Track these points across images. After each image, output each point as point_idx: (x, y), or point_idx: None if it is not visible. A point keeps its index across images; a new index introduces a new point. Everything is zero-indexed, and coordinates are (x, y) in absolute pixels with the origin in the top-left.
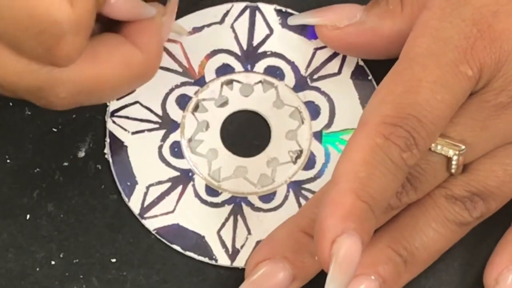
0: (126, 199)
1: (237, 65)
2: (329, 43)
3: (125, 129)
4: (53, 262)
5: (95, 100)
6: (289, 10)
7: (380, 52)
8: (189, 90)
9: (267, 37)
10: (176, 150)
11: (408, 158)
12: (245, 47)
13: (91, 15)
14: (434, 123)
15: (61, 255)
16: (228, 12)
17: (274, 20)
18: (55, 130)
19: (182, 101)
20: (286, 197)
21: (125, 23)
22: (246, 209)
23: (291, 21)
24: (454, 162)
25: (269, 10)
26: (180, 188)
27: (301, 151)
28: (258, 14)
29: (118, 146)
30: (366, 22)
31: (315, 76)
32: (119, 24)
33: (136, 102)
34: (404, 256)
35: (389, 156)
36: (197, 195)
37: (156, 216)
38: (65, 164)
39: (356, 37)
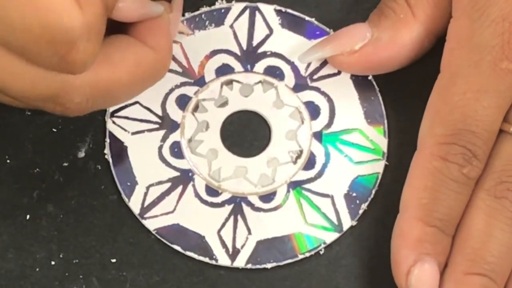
0: (126, 199)
1: (237, 65)
2: (350, 68)
3: (125, 130)
4: (53, 262)
5: (109, 103)
6: (289, 10)
7: (403, 61)
8: (189, 90)
9: (267, 37)
10: (176, 150)
11: (469, 172)
12: (245, 47)
13: (102, 19)
14: (487, 129)
15: (61, 255)
16: (228, 12)
17: (274, 20)
18: (55, 130)
19: (182, 101)
20: (286, 197)
21: (133, 23)
22: (246, 209)
23: (303, 59)
24: None
25: (268, 10)
26: (180, 188)
27: (301, 151)
28: (258, 14)
29: (118, 146)
30: (382, 37)
31: (315, 76)
32: (127, 25)
33: (136, 102)
34: (488, 273)
35: (450, 177)
36: (197, 195)
37: (156, 216)
38: (65, 164)
39: (377, 55)
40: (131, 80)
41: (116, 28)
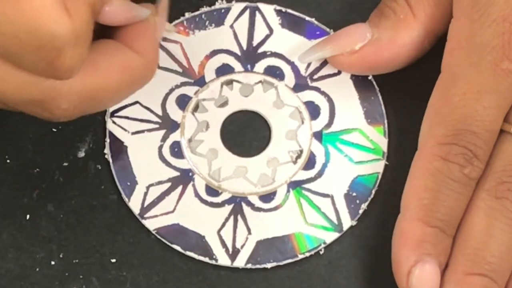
0: (126, 199)
1: (237, 65)
2: (350, 69)
3: (125, 129)
4: (53, 262)
5: (97, 108)
6: (289, 11)
7: (403, 61)
8: (189, 90)
9: (267, 37)
10: (176, 150)
11: (470, 172)
12: (245, 47)
13: (89, 25)
14: (488, 129)
15: (61, 255)
16: (228, 12)
17: (274, 20)
18: (55, 130)
19: (182, 101)
20: (286, 197)
21: (118, 28)
22: (246, 209)
23: (303, 59)
24: None
25: (269, 10)
26: (180, 188)
27: (301, 151)
28: (258, 14)
29: (118, 146)
30: (382, 38)
31: (315, 76)
32: (112, 30)
33: (136, 102)
34: (489, 273)
35: (451, 177)
36: (197, 195)
37: (156, 216)
38: (65, 164)
39: (377, 55)
40: (118, 86)
41: (101, 32)
